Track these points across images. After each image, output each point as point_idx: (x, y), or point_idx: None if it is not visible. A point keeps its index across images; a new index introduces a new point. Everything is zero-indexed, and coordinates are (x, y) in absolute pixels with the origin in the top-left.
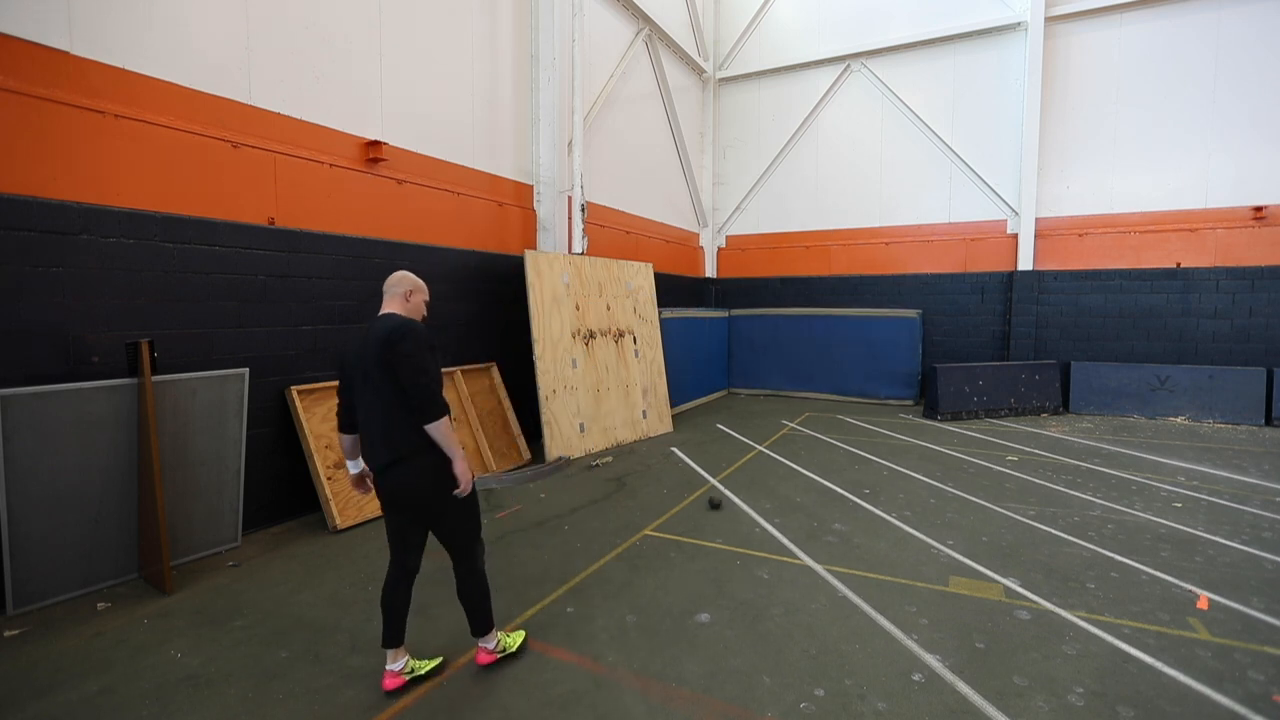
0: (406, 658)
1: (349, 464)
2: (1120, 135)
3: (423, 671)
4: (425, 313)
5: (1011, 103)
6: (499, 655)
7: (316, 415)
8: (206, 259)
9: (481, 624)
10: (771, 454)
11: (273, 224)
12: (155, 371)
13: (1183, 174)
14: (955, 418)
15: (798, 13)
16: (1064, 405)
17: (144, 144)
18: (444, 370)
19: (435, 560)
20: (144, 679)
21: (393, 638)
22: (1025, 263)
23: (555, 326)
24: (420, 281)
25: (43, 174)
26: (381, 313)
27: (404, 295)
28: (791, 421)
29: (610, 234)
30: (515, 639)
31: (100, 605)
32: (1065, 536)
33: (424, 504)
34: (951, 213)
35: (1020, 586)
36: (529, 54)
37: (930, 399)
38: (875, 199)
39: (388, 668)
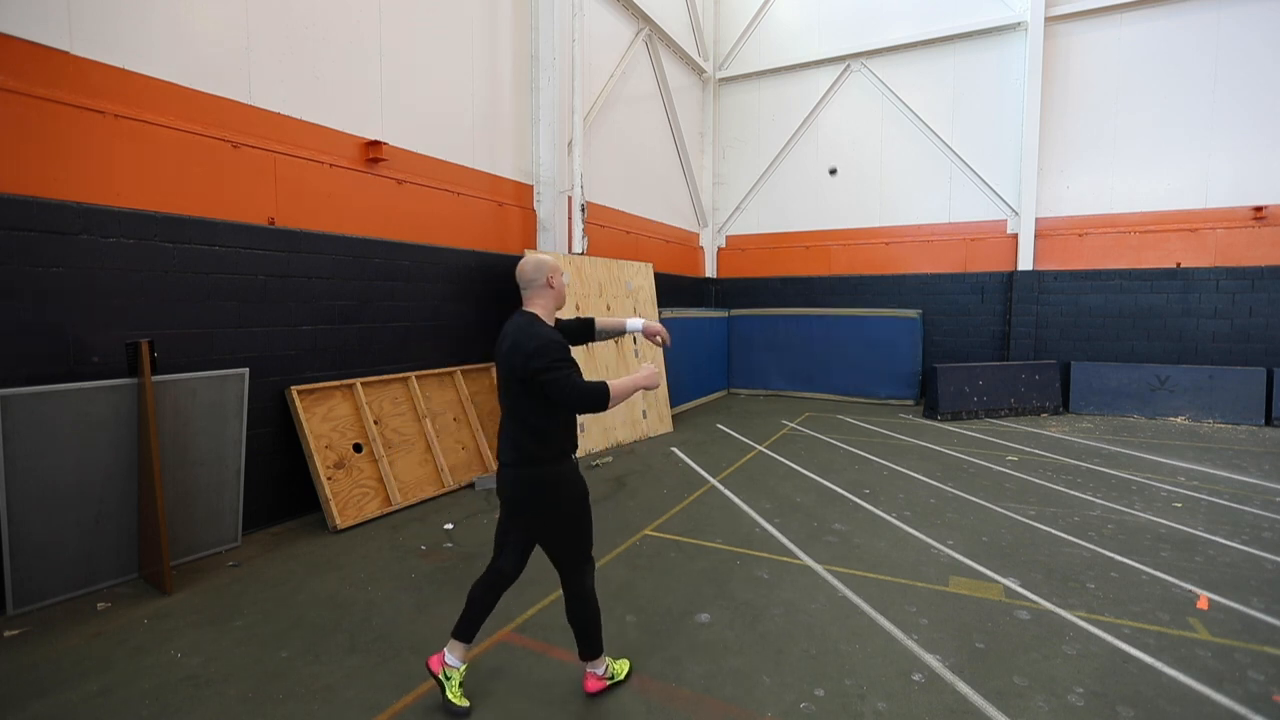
0: (463, 651)
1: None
2: (1120, 135)
3: (621, 676)
4: (563, 294)
5: (1011, 103)
6: (608, 682)
7: (316, 415)
8: (207, 259)
9: (590, 648)
10: (771, 454)
11: (273, 224)
12: (155, 371)
13: (1183, 174)
14: (955, 418)
15: (798, 13)
16: (1064, 405)
17: (144, 144)
18: (444, 371)
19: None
20: (144, 679)
21: (461, 630)
22: (1025, 263)
23: (532, 311)
24: (551, 260)
25: (43, 174)
26: (522, 309)
27: (546, 283)
28: (791, 421)
29: (610, 234)
30: (622, 666)
31: (100, 605)
32: (1065, 536)
33: (524, 513)
34: (951, 213)
35: (1020, 586)
36: (529, 54)
37: (930, 399)
38: (875, 199)
39: (446, 651)
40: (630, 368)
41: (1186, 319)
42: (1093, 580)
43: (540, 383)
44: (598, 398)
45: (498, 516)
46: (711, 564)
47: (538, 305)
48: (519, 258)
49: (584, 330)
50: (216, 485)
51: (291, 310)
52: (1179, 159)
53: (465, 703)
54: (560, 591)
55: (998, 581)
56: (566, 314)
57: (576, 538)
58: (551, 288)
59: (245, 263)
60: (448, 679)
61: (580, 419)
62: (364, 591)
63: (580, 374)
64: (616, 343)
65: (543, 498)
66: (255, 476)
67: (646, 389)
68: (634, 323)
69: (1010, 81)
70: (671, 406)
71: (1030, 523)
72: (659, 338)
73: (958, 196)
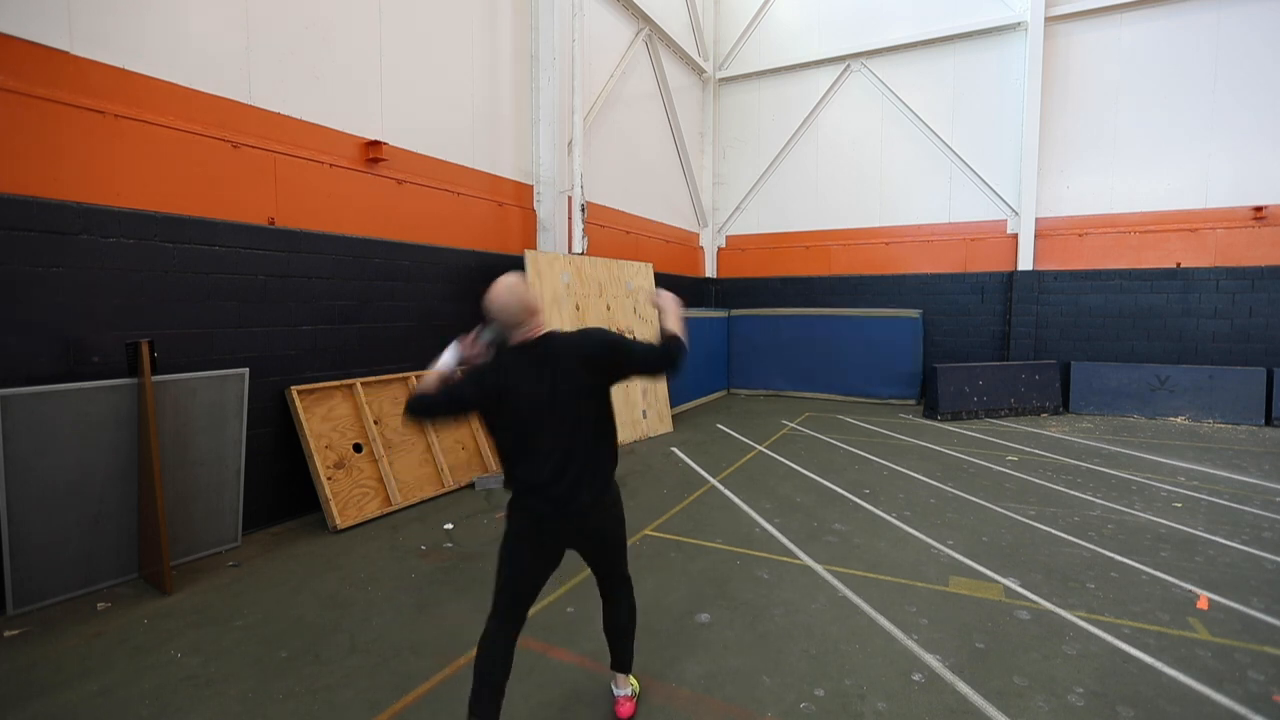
0: None
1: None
2: (1120, 135)
3: (639, 691)
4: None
5: (1011, 103)
6: (635, 700)
7: (316, 415)
8: (206, 259)
9: (630, 657)
10: (772, 454)
11: (273, 224)
12: (155, 371)
13: (1183, 174)
14: (955, 418)
15: (798, 13)
16: (1064, 405)
17: (144, 144)
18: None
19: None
20: (144, 679)
21: (490, 711)
22: (1025, 263)
23: (555, 327)
24: (523, 287)
25: (43, 174)
26: (544, 333)
27: (533, 312)
28: (791, 421)
29: (610, 234)
30: (635, 681)
31: (100, 605)
32: (1065, 536)
33: (611, 536)
34: (951, 213)
35: (1020, 586)
36: (529, 54)
37: (930, 399)
38: (875, 199)
39: None
40: None
41: (1186, 319)
42: (1093, 580)
43: (634, 361)
44: (681, 345)
45: (529, 565)
46: (711, 564)
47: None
48: (519, 258)
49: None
50: (216, 485)
51: (291, 310)
52: (1179, 159)
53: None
54: (561, 590)
55: (998, 581)
56: (566, 315)
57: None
58: (537, 314)
59: (245, 263)
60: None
61: None
62: (364, 591)
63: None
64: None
65: (622, 510)
66: (255, 476)
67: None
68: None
69: (1010, 81)
70: (671, 406)
71: (1030, 523)
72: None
73: (958, 196)
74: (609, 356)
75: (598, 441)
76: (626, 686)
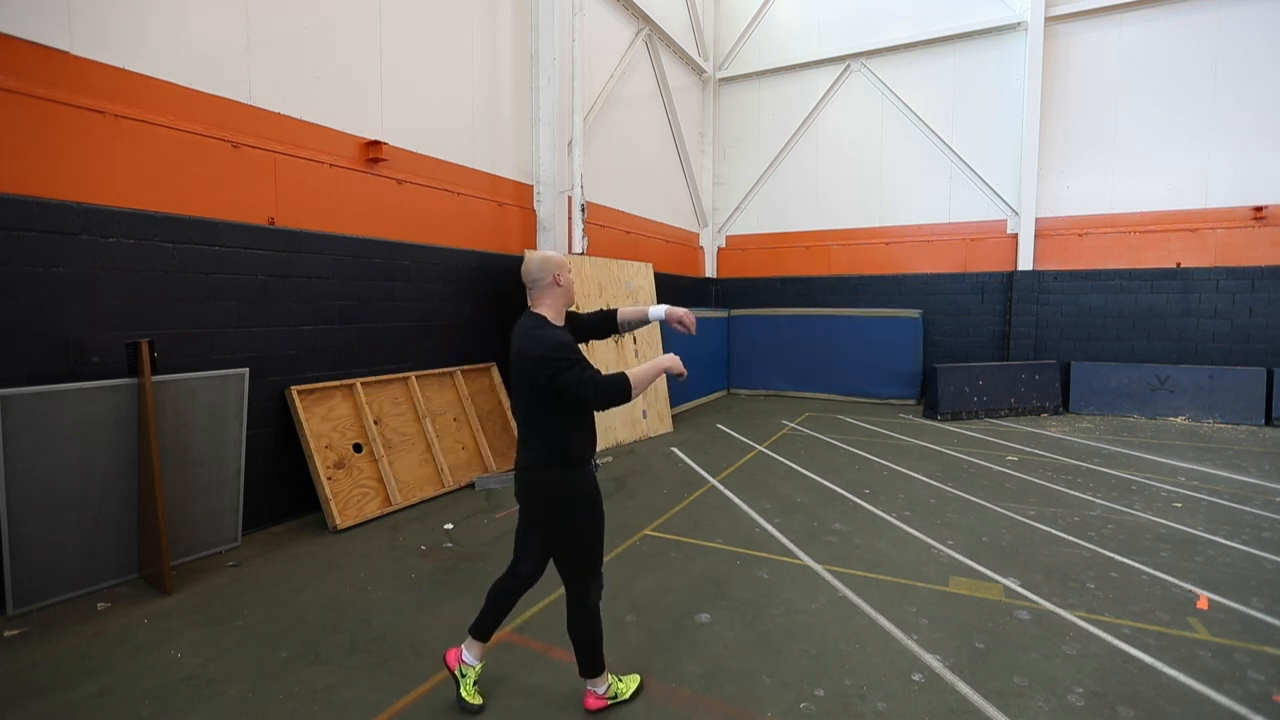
0: (480, 650)
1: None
2: (1120, 135)
3: (626, 696)
4: (572, 290)
5: (1011, 103)
6: (609, 701)
7: (317, 415)
8: (207, 259)
9: (590, 666)
10: (772, 454)
11: (273, 224)
12: (155, 371)
13: (1183, 174)
14: (955, 418)
15: (798, 13)
16: (1064, 405)
17: (144, 144)
18: (444, 371)
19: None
20: (144, 679)
21: (478, 628)
22: (1025, 263)
23: None
24: (557, 256)
25: (43, 174)
26: (529, 310)
27: (552, 282)
28: (791, 421)
29: (610, 234)
30: (629, 684)
31: (100, 605)
32: (1065, 536)
33: (536, 517)
34: (951, 213)
35: (1020, 586)
36: (529, 54)
37: (930, 399)
38: (875, 199)
39: (464, 648)
40: (630, 368)
41: (1186, 319)
42: (1093, 580)
43: (555, 386)
44: (620, 389)
45: (519, 517)
46: (711, 564)
47: (544, 305)
48: (519, 258)
49: (606, 323)
50: (216, 485)
51: (291, 310)
52: (1179, 159)
53: (479, 700)
54: (561, 590)
55: (998, 581)
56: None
57: (583, 550)
58: (559, 285)
59: (245, 263)
60: (463, 676)
61: None
62: (364, 592)
63: (595, 369)
64: (616, 341)
65: (551, 504)
66: (255, 476)
67: (669, 372)
68: (656, 311)
69: (1010, 81)
70: (671, 406)
71: (1030, 523)
72: (682, 324)
73: (958, 196)
74: (530, 371)
75: None
76: (599, 686)
